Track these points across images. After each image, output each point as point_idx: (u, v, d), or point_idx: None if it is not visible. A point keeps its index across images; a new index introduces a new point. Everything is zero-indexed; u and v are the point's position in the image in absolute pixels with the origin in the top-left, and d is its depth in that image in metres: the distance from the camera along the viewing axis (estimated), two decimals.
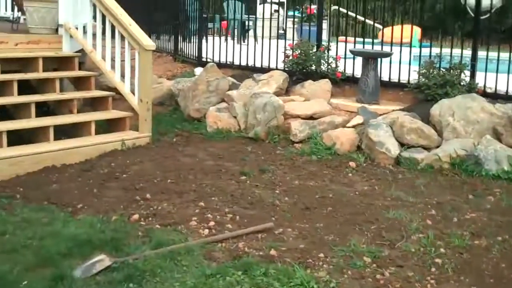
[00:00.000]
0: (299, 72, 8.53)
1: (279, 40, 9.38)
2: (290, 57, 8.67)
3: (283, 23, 12.11)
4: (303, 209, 5.57)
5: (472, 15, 8.09)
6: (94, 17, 8.15)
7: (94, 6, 7.94)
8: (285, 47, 8.89)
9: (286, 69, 8.72)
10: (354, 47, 8.68)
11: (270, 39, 9.41)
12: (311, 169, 6.68)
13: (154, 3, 11.97)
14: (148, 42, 7.46)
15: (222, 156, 6.97)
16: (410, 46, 8.19)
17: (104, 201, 5.59)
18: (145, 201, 5.59)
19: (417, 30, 9.31)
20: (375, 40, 9.13)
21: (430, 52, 7.97)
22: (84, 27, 8.22)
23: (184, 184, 6.02)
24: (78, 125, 7.39)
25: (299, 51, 8.53)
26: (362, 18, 10.12)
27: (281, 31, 11.94)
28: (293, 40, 9.30)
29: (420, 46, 8.61)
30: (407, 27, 8.46)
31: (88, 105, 8.34)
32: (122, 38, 7.70)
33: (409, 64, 8.06)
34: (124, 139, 7.23)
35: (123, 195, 5.74)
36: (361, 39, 8.78)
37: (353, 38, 9.21)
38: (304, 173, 6.56)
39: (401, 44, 8.20)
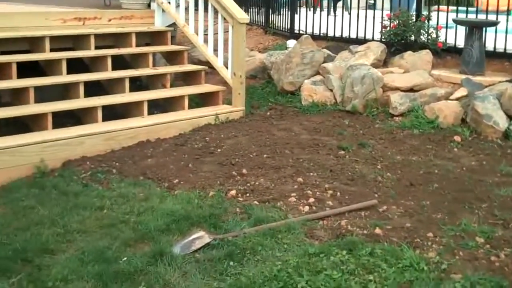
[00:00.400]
0: (397, 43, 8.14)
1: (369, 11, 9.01)
2: (388, 28, 8.28)
3: None
4: (407, 185, 5.28)
5: None
6: None
7: None
8: (382, 17, 8.50)
9: (383, 40, 8.34)
10: (457, 16, 8.20)
11: (358, 9, 9.04)
12: (413, 144, 6.34)
13: None
14: (242, 15, 7.26)
15: (318, 130, 6.71)
16: None
17: (200, 176, 5.46)
18: (242, 177, 5.42)
19: None
20: (475, 8, 8.60)
21: None
22: (176, 0, 8.10)
23: (281, 159, 5.82)
24: (172, 99, 7.31)
25: (397, 21, 8.13)
26: None
27: (371, 1, 11.53)
28: (382, 10, 8.84)
29: None
30: None
31: (180, 79, 8.26)
32: (215, 11, 7.53)
33: None
34: (218, 113, 7.09)
35: (219, 170, 5.59)
36: (463, 8, 8.29)
37: (450, 7, 8.71)
38: (406, 147, 6.23)
39: (507, 12, 7.68)
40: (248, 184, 5.24)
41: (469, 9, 8.36)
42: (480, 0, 8.39)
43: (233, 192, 5.07)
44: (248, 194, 5.07)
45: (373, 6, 9.31)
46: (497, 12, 7.79)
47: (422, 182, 5.32)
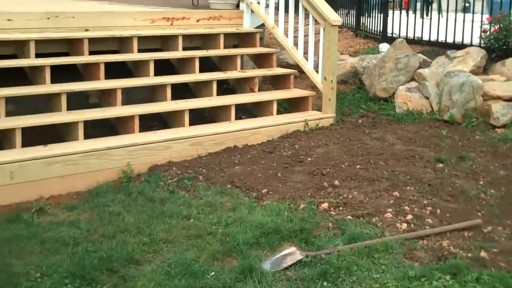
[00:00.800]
0: (498, 48, 7.66)
1: (466, 14, 8.54)
2: (488, 32, 7.81)
3: None
4: None
5: None
6: None
7: None
8: (482, 21, 8.03)
9: (482, 45, 7.87)
10: None
11: (456, 12, 8.59)
12: None
13: None
14: (335, 16, 6.96)
15: (413, 140, 6.35)
16: None
17: (290, 186, 5.22)
18: (334, 188, 5.15)
19: None
20: None
21: None
22: (265, 1, 7.88)
23: (375, 171, 5.50)
24: (259, 104, 7.09)
25: (498, 26, 7.66)
26: None
27: (466, 4, 11.01)
28: (482, 13, 8.38)
29: None
30: None
31: (267, 82, 8.04)
32: (306, 12, 7.27)
33: None
34: (307, 120, 6.82)
35: (309, 180, 5.33)
36: None
37: None
38: (510, 162, 5.80)
39: None
40: (341, 197, 4.96)
41: None
42: None
43: (325, 205, 4.81)
44: (341, 208, 4.79)
45: (468, 9, 8.83)
46: None
47: None
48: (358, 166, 5.60)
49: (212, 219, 4.62)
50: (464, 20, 8.21)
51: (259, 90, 7.38)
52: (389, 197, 4.97)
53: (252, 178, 5.38)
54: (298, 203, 4.86)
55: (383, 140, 6.35)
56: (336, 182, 5.24)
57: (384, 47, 8.61)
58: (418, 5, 12.02)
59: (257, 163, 5.75)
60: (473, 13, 8.34)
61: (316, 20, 7.14)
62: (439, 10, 11.86)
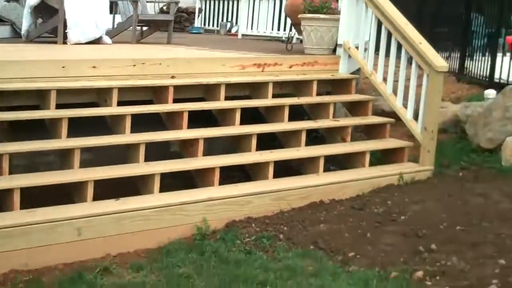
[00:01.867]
0: None
1: None
2: None
3: None
4: None
5: None
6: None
7: (379, 22, 7.12)
8: None
9: None
10: None
11: None
12: None
13: (432, 16, 10.91)
14: (441, 62, 6.43)
15: None
16: None
17: (380, 249, 4.69)
18: (430, 253, 4.57)
19: None
20: None
21: None
22: (364, 45, 7.43)
23: (478, 233, 4.87)
24: (350, 155, 6.59)
25: None
26: None
27: None
28: None
29: None
30: None
31: (359, 131, 7.53)
32: (408, 57, 6.78)
33: None
34: (402, 172, 6.27)
35: (403, 243, 4.78)
36: None
37: None
38: None
39: None
40: (438, 264, 4.39)
41: None
42: None
43: (419, 273, 4.25)
44: (438, 277, 4.21)
45: None
46: None
47: None
48: (458, 227, 4.99)
49: (290, 285, 4.16)
50: None
51: (351, 140, 6.90)
52: (494, 266, 4.34)
53: (338, 239, 4.88)
54: (389, 270, 4.32)
55: (487, 197, 5.69)
56: (433, 246, 4.66)
57: (491, 93, 7.93)
58: None
59: (344, 221, 5.25)
60: None
61: (419, 66, 6.63)
62: None
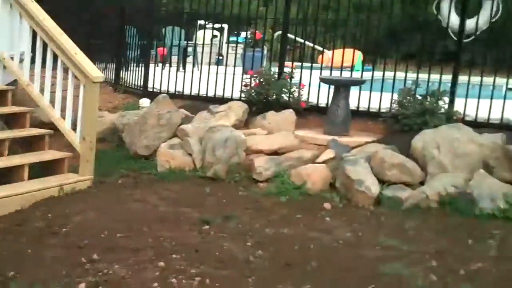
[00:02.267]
0: (259, 102, 7.68)
1: (221, 67, 8.70)
2: (249, 86, 7.82)
3: (223, 49, 11.70)
4: (283, 265, 4.70)
5: (455, 38, 7.51)
6: None
7: (34, 33, 6.91)
8: (243, 74, 8.04)
9: (243, 98, 7.86)
10: (321, 73, 7.95)
11: (209, 65, 8.67)
12: (282, 213, 5.82)
13: (88, 29, 11.00)
14: (97, 73, 6.48)
15: (178, 200, 6.02)
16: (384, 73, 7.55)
17: (42, 265, 4.56)
18: (92, 264, 4.58)
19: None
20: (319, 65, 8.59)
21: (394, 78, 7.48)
22: (19, 56, 7.16)
23: (138, 238, 5.04)
24: (9, 169, 6.30)
25: (259, 80, 7.68)
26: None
27: (219, 57, 11.23)
28: (243, 67, 8.51)
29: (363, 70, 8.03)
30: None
31: (18, 144, 7.26)
32: (64, 68, 6.70)
33: (381, 91, 7.38)
34: (62, 184, 6.21)
35: (65, 255, 4.72)
36: (308, 65, 8.25)
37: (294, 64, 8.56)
38: (274, 218, 5.69)
39: (351, 69, 7.81)
40: (100, 273, 4.41)
41: (314, 65, 8.24)
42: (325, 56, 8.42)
43: (82, 286, 4.23)
44: (100, 287, 4.25)
45: (221, 62, 9.01)
46: (341, 68, 7.80)
47: (299, 260, 4.76)
48: (118, 235, 5.10)
49: None
50: (218, 73, 8.29)
51: (9, 153, 6.61)
52: (154, 269, 4.53)
53: None
54: (52, 286, 4.24)
55: (145, 202, 5.94)
56: (95, 256, 4.68)
57: (145, 102, 8.29)
58: (174, 58, 11.96)
59: (2, 240, 5.00)
60: (226, 66, 8.32)
61: (75, 76, 6.60)
62: (194, 63, 11.84)
